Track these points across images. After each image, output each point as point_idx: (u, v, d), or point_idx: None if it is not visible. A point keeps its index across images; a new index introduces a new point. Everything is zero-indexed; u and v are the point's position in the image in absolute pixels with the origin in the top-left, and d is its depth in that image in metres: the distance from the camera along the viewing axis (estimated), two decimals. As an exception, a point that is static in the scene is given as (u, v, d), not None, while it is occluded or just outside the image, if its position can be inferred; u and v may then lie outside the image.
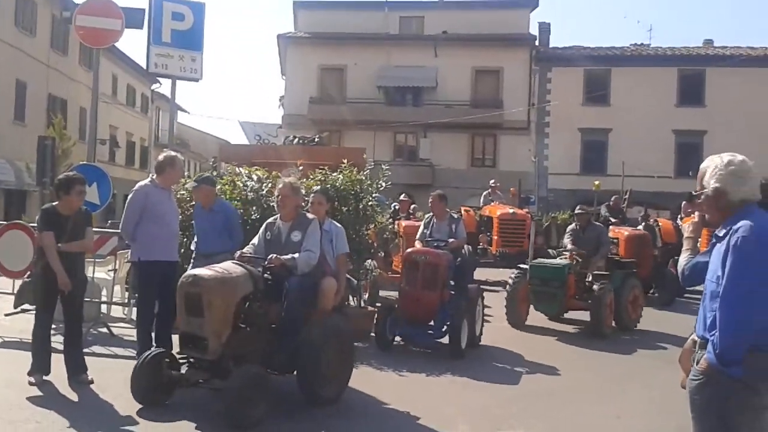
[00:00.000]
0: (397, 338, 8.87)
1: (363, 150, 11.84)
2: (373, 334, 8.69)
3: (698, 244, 3.64)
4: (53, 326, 6.69)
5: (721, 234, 3.17)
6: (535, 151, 34.58)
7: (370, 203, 9.34)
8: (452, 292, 8.63)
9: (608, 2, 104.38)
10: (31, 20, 29.71)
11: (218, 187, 9.19)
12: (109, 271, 10.19)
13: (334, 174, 9.18)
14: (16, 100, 28.81)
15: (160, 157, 7.19)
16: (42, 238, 6.45)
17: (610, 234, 13.39)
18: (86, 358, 6.71)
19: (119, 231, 7.70)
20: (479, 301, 9.07)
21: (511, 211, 16.79)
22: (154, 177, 7.03)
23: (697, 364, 3.20)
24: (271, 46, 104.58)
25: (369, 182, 9.37)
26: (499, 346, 9.10)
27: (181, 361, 5.81)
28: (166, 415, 5.59)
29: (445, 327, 8.48)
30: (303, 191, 7.81)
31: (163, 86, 39.09)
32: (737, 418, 3.09)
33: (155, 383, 5.69)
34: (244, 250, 6.40)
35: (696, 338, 3.27)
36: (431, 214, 9.49)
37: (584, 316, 10.39)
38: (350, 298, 8.96)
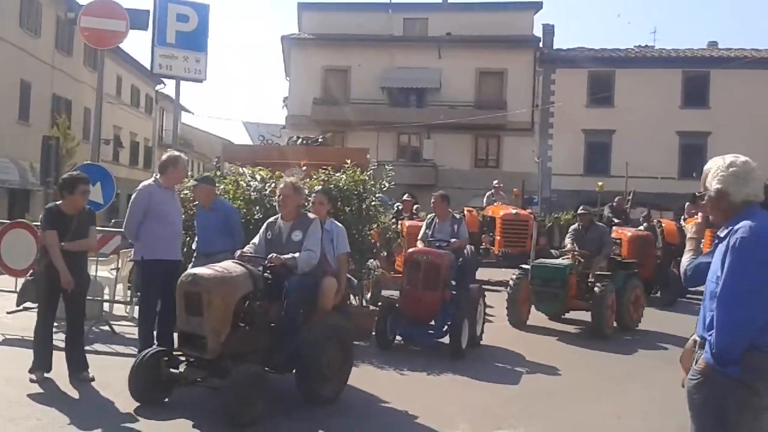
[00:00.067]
0: (398, 337, 8.87)
1: (366, 150, 11.85)
2: (374, 333, 8.69)
3: (701, 245, 3.65)
4: (55, 324, 6.72)
5: (722, 234, 3.18)
6: (539, 152, 34.57)
7: (373, 203, 9.34)
8: (453, 292, 8.63)
9: (612, 4, 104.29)
10: (35, 21, 29.78)
11: (221, 186, 9.24)
12: (111, 269, 10.22)
13: (338, 174, 9.19)
14: (21, 100, 28.88)
15: (163, 157, 7.22)
16: (45, 236, 6.48)
17: (613, 235, 13.40)
18: (88, 355, 6.74)
19: (122, 230, 7.73)
20: (480, 301, 9.07)
21: (514, 211, 16.80)
22: (158, 177, 7.05)
23: (696, 364, 3.21)
24: (275, 47, 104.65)
25: (372, 182, 9.38)
26: (500, 346, 9.10)
27: (179, 359, 5.81)
28: (165, 413, 5.62)
29: (446, 327, 8.49)
30: (306, 191, 7.85)
31: (167, 87, 39.27)
32: (736, 418, 3.09)
33: (153, 381, 5.69)
34: (244, 250, 6.41)
35: (697, 338, 3.28)
36: (433, 214, 9.49)
37: (585, 316, 10.38)
38: (352, 297, 8.97)
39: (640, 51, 37.11)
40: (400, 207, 15.02)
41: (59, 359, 6.51)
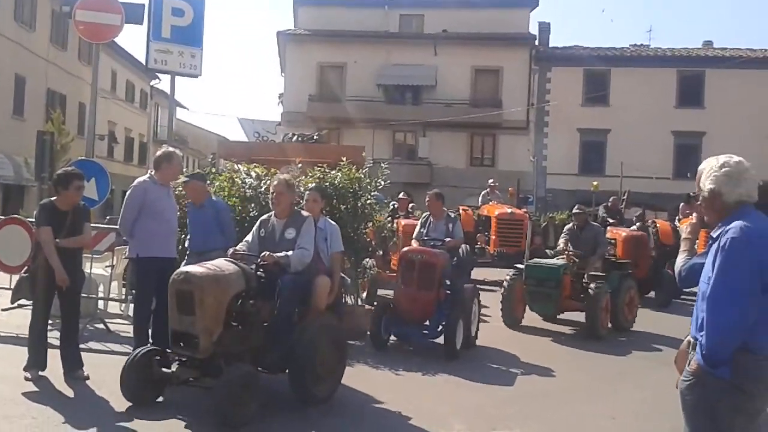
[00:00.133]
0: (393, 337, 8.86)
1: (362, 148, 11.84)
2: (368, 333, 8.68)
3: (696, 246, 3.66)
4: (50, 322, 6.70)
5: (715, 235, 3.20)
6: (534, 151, 34.62)
7: (368, 201, 9.33)
8: (448, 292, 8.61)
9: (608, 3, 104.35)
10: (30, 15, 29.66)
11: (216, 183, 9.21)
12: (106, 267, 10.19)
13: (333, 172, 9.17)
14: (15, 95, 28.77)
15: (158, 153, 7.17)
16: (40, 233, 6.45)
17: (608, 235, 13.41)
18: (82, 353, 6.72)
19: (117, 227, 7.69)
20: (475, 301, 9.04)
21: (509, 210, 16.80)
22: (153, 173, 7.02)
23: (689, 365, 3.22)
24: (271, 43, 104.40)
25: (368, 180, 9.37)
26: (494, 347, 9.10)
27: (171, 358, 5.77)
28: (159, 412, 5.60)
29: (441, 327, 8.47)
30: (302, 188, 7.83)
31: (163, 82, 39.16)
32: (729, 420, 3.10)
33: (145, 381, 5.65)
34: (237, 248, 6.37)
35: (691, 339, 3.29)
36: (428, 213, 9.48)
37: (580, 316, 10.38)
38: (347, 295, 8.96)
39: (636, 50, 37.17)
40: (396, 205, 15.00)
41: (54, 357, 6.50)
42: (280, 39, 37.63)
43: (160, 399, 5.84)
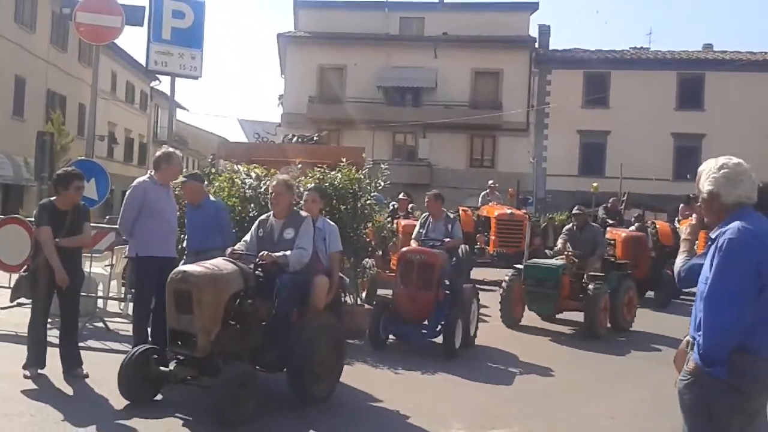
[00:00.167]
0: (391, 337, 8.86)
1: (362, 149, 11.86)
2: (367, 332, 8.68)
3: (695, 247, 3.67)
4: (49, 320, 6.70)
5: (713, 236, 3.21)
6: (534, 153, 34.64)
7: (368, 202, 9.34)
8: (447, 292, 8.61)
9: (608, 5, 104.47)
10: (31, 16, 29.67)
11: (217, 184, 9.22)
12: (106, 266, 10.20)
13: (333, 172, 9.18)
14: (15, 96, 28.78)
15: (157, 154, 7.17)
16: (39, 233, 6.46)
17: (607, 235, 13.43)
18: (82, 352, 6.72)
19: (117, 226, 7.70)
20: (474, 301, 9.04)
21: (508, 211, 16.82)
22: (153, 173, 7.02)
23: (687, 365, 3.23)
24: (271, 45, 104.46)
25: (367, 181, 9.38)
26: (494, 346, 9.10)
27: (169, 357, 5.76)
28: (158, 410, 5.61)
29: (439, 327, 8.47)
30: (301, 189, 7.84)
31: (163, 83, 39.13)
32: (726, 420, 3.11)
33: (143, 380, 5.64)
34: (235, 247, 6.38)
35: (690, 339, 3.30)
36: (427, 213, 9.49)
37: (579, 316, 10.38)
38: (346, 295, 8.96)
39: (636, 52, 37.22)
40: (396, 206, 15.02)
41: (53, 355, 6.50)
42: (280, 41, 37.67)
43: (159, 397, 5.85)
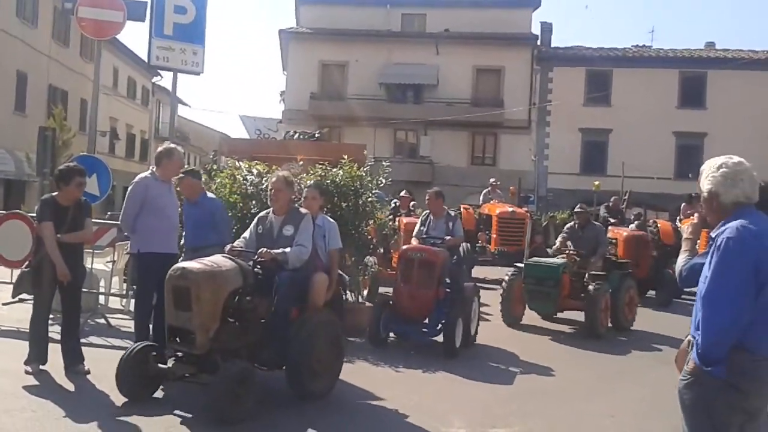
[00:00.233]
0: (392, 335, 8.86)
1: (363, 146, 11.84)
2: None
3: (697, 246, 3.68)
4: (51, 316, 6.71)
5: (714, 235, 3.21)
6: (535, 151, 34.62)
7: (369, 199, 9.33)
8: (448, 290, 8.60)
9: (610, 3, 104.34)
10: (32, 11, 29.67)
11: (218, 180, 9.22)
12: (107, 262, 10.20)
13: (335, 169, 9.18)
14: (17, 91, 28.81)
15: (158, 150, 7.17)
16: (41, 228, 6.46)
17: (609, 234, 13.42)
18: (83, 348, 6.72)
19: (118, 222, 7.70)
20: (475, 299, 9.03)
21: (510, 209, 16.82)
22: (155, 169, 7.02)
23: (687, 364, 3.23)
24: (273, 41, 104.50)
25: (369, 178, 9.37)
26: (494, 345, 9.10)
27: (167, 354, 5.74)
28: (159, 407, 5.61)
29: (440, 325, 8.45)
30: (302, 186, 7.83)
31: (164, 79, 39.14)
32: (725, 418, 3.12)
33: (141, 377, 5.62)
34: (234, 244, 6.37)
35: (691, 338, 3.30)
36: (428, 211, 9.48)
37: (579, 315, 10.37)
38: (347, 293, 8.96)
39: (638, 50, 37.14)
40: (398, 203, 15.01)
41: (55, 351, 6.51)
42: (282, 37, 37.64)
43: (161, 394, 5.85)
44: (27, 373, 6.29)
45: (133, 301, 8.06)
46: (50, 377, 6.29)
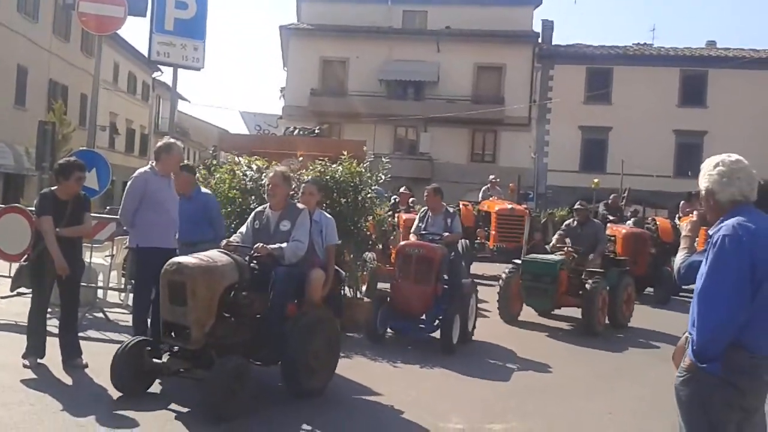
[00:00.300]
0: (389, 330, 8.86)
1: (363, 142, 11.82)
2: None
3: (695, 243, 3.68)
4: (49, 310, 6.71)
5: (711, 233, 3.22)
6: (535, 148, 34.58)
7: (369, 195, 9.33)
8: (446, 287, 8.59)
9: (611, 1, 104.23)
10: (33, 6, 29.63)
11: (218, 175, 9.22)
12: (106, 256, 10.21)
13: (334, 165, 9.17)
14: (17, 85, 28.77)
15: (158, 144, 7.17)
16: (40, 222, 6.46)
17: (608, 232, 13.42)
18: (81, 342, 6.73)
19: (117, 217, 7.70)
20: (473, 296, 9.02)
21: (509, 206, 16.81)
22: (154, 164, 7.02)
23: (684, 361, 3.24)
24: (273, 37, 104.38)
25: (368, 175, 9.37)
26: (492, 342, 9.10)
27: (162, 349, 5.71)
28: (156, 401, 5.62)
29: (437, 321, 8.45)
30: (300, 181, 7.83)
31: (165, 74, 39.07)
32: (722, 416, 3.12)
33: (135, 371, 5.59)
34: (231, 239, 6.35)
35: (689, 335, 3.30)
36: (427, 207, 9.48)
37: (578, 312, 10.37)
38: (345, 288, 8.96)
39: (639, 48, 37.07)
40: (397, 200, 15.02)
41: (53, 345, 6.51)
42: (282, 33, 37.60)
43: (158, 389, 5.85)
44: (25, 366, 6.30)
45: (131, 295, 8.06)
46: (48, 371, 6.29)
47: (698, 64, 34.53)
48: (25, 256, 7.87)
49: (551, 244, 11.26)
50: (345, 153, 9.32)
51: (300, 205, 6.56)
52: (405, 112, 34.59)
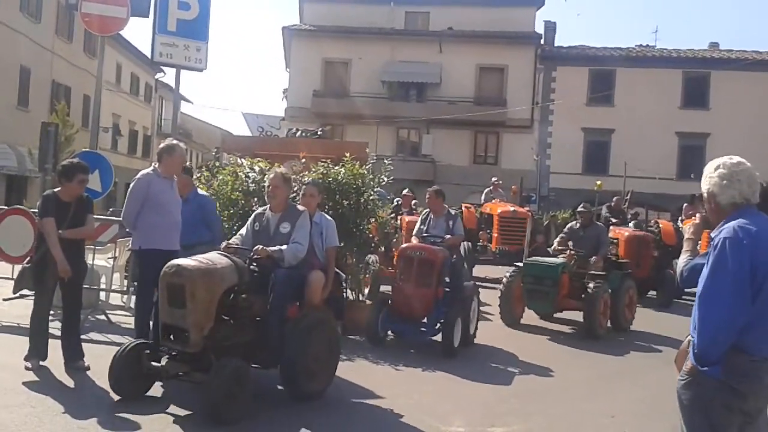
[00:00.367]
0: (391, 333, 8.84)
1: (366, 144, 11.82)
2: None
3: (698, 246, 3.68)
4: (51, 312, 6.71)
5: (713, 236, 3.22)
6: (538, 150, 34.57)
7: (371, 197, 9.32)
8: (447, 290, 8.56)
9: (614, 3, 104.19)
10: (36, 6, 29.68)
11: (220, 177, 9.22)
12: (108, 258, 10.21)
13: (336, 167, 9.17)
14: (20, 86, 28.81)
15: (160, 146, 7.17)
16: (43, 224, 6.46)
17: (611, 234, 13.40)
18: (83, 344, 6.73)
19: (120, 219, 7.70)
20: (475, 299, 8.98)
21: (511, 209, 16.80)
22: (157, 166, 7.01)
23: (685, 364, 3.24)
24: (276, 38, 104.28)
25: (371, 177, 9.37)
26: (493, 345, 9.08)
27: (161, 352, 5.66)
28: (158, 404, 5.61)
29: (439, 324, 8.42)
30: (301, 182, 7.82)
31: (167, 75, 39.18)
32: (723, 419, 3.12)
33: (134, 375, 5.56)
34: (230, 241, 6.34)
35: (691, 339, 3.30)
36: (428, 209, 9.47)
37: (580, 315, 10.34)
38: (349, 291, 8.95)
39: (642, 50, 37.05)
40: (400, 202, 15.01)
41: (55, 347, 6.52)
42: (285, 34, 37.61)
43: (160, 392, 5.84)
44: (27, 368, 6.30)
45: (133, 297, 8.06)
46: (50, 373, 6.30)
47: (701, 65, 34.51)
48: (28, 258, 7.88)
49: (553, 247, 11.24)
50: (347, 155, 9.32)
51: (300, 207, 6.54)
52: (407, 113, 34.60)
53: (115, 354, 5.59)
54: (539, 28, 37.03)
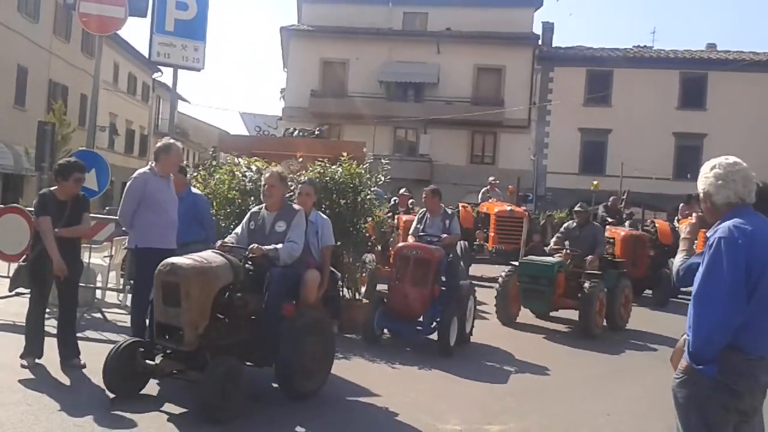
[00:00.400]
0: (386, 331, 8.85)
1: (363, 144, 11.84)
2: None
3: (694, 246, 3.69)
4: (47, 310, 6.71)
5: (708, 235, 3.23)
6: (535, 150, 34.60)
7: (368, 197, 9.33)
8: (443, 289, 8.57)
9: (612, 3, 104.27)
10: (34, 6, 29.65)
11: (217, 176, 9.23)
12: (105, 257, 10.20)
13: (334, 167, 9.18)
14: (17, 85, 28.78)
15: (157, 145, 7.17)
16: (39, 222, 6.46)
17: (607, 234, 13.42)
18: (79, 342, 6.73)
19: (116, 217, 7.70)
20: (471, 298, 8.99)
21: (508, 208, 16.83)
22: (154, 165, 7.01)
23: (681, 363, 3.25)
24: (274, 38, 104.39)
25: (368, 176, 9.37)
26: (490, 343, 9.09)
27: (156, 350, 5.65)
28: (153, 402, 5.61)
29: (434, 323, 8.42)
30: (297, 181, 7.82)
31: (165, 75, 39.09)
32: (719, 418, 3.13)
33: (128, 373, 5.54)
34: (225, 239, 6.33)
35: (687, 337, 3.31)
36: (425, 209, 9.47)
37: (576, 314, 10.36)
38: (345, 290, 8.96)
39: (639, 51, 37.10)
40: (397, 201, 15.02)
41: (51, 345, 6.51)
42: (283, 34, 37.61)
43: (156, 390, 5.84)
44: (23, 366, 6.29)
45: (130, 296, 8.06)
46: (46, 371, 6.29)
47: (698, 66, 34.57)
48: (24, 257, 7.88)
49: (549, 247, 11.25)
50: (345, 154, 9.32)
51: (296, 206, 6.54)
52: (405, 113, 34.62)
53: (110, 352, 5.57)
54: (537, 29, 37.14)
